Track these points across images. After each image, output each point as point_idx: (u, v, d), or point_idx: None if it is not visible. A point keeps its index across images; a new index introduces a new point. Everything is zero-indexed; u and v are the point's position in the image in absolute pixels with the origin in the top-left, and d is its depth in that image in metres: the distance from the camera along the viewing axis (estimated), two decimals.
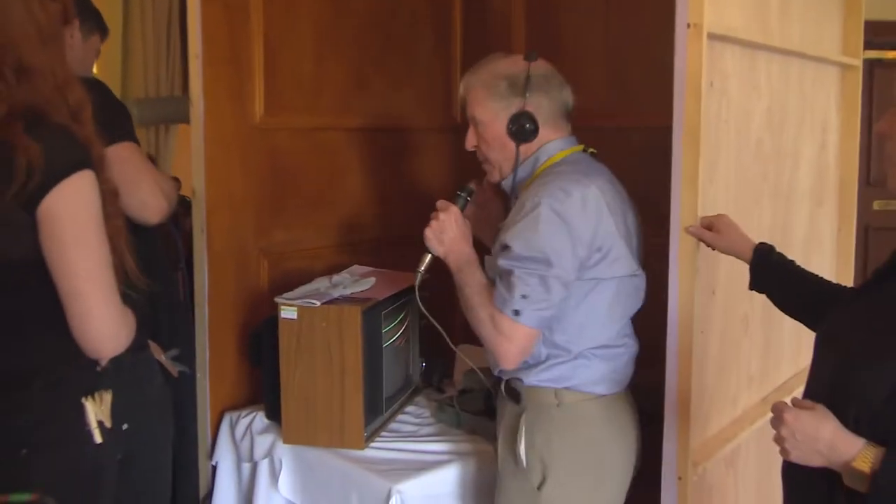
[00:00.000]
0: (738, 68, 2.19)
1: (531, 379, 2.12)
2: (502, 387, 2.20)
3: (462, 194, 2.23)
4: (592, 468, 2.12)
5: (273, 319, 2.47)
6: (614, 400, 2.16)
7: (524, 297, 1.98)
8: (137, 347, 2.12)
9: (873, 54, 4.38)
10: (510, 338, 2.01)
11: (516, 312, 1.99)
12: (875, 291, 1.62)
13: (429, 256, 2.20)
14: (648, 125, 2.33)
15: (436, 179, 3.37)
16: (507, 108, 2.14)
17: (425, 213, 3.31)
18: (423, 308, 2.25)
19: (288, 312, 2.43)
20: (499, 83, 2.14)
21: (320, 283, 2.62)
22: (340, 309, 2.41)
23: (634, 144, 2.61)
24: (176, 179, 2.56)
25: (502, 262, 2.02)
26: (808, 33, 2.62)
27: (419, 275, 2.20)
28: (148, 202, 2.29)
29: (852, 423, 1.46)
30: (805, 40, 2.59)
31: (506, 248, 2.02)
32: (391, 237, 3.24)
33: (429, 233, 2.17)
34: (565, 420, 2.11)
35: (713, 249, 2.05)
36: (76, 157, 1.61)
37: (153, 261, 2.47)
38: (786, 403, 1.49)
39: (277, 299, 2.47)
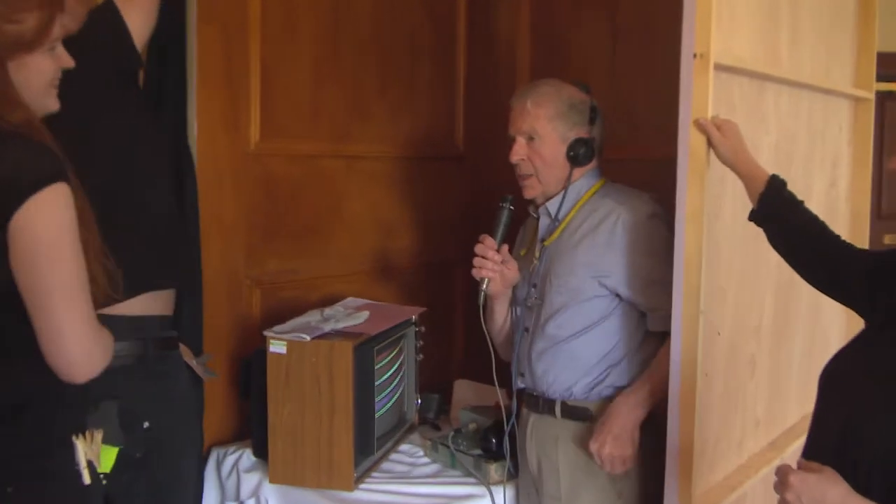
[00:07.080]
0: (745, 100, 2.10)
1: (600, 390, 2.25)
2: (558, 409, 2.27)
3: (505, 205, 2.31)
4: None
5: (262, 352, 2.38)
6: None
7: None
8: (166, 345, 2.05)
9: (884, 87, 4.28)
10: None
11: None
12: (885, 332, 1.53)
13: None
14: (654, 157, 2.28)
15: (437, 209, 3.31)
16: (571, 132, 2.27)
17: (425, 244, 3.26)
18: (484, 326, 2.33)
19: (277, 346, 2.35)
20: (566, 106, 2.27)
21: (312, 317, 2.54)
22: (331, 344, 2.32)
23: (639, 177, 2.53)
24: None
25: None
26: (818, 65, 2.54)
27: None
28: None
29: (864, 475, 1.38)
30: (815, 72, 2.51)
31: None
32: (389, 268, 3.17)
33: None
34: None
35: (715, 154, 1.93)
36: (49, 170, 1.50)
37: None
38: (790, 466, 1.39)
39: (266, 332, 2.38)
